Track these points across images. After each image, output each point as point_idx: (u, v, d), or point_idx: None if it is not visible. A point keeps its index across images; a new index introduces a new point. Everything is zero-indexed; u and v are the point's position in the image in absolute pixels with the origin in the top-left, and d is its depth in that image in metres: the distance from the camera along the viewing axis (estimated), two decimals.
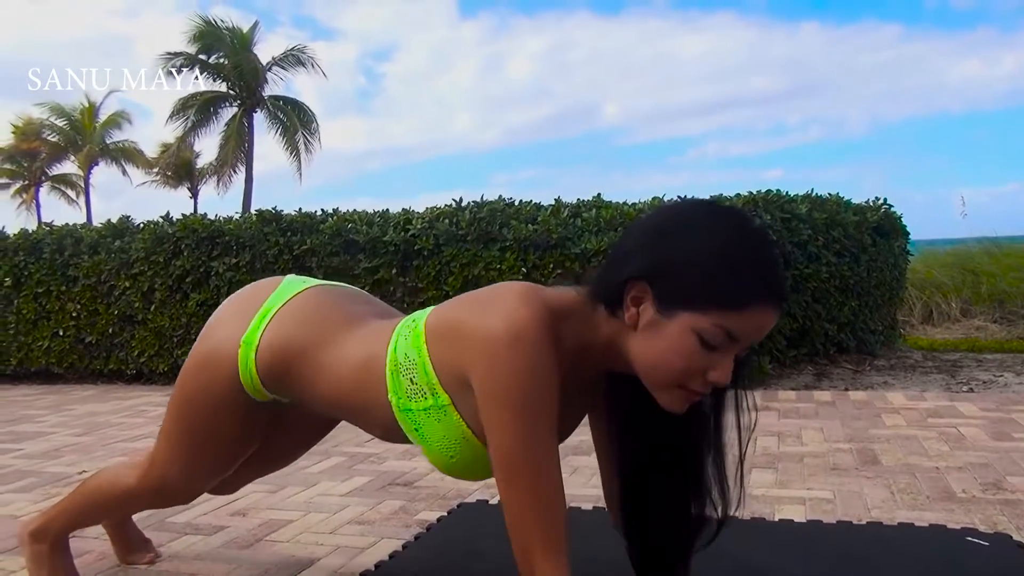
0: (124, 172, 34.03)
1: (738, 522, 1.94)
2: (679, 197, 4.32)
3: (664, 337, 1.00)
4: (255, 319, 1.30)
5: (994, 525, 1.91)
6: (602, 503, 2.15)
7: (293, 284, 1.36)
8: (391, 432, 1.21)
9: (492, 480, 2.49)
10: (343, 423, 1.48)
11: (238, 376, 1.30)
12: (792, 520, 1.96)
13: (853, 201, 4.82)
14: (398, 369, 1.14)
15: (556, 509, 1.04)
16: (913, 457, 2.55)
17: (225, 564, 1.81)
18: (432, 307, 1.21)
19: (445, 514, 2.10)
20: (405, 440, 1.21)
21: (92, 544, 1.93)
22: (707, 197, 4.28)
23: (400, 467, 2.65)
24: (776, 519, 1.98)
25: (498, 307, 1.04)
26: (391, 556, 1.79)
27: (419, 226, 4.37)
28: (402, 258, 4.38)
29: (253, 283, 1.43)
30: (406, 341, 1.15)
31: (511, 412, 1.01)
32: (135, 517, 1.88)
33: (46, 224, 5.37)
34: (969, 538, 1.79)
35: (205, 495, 2.31)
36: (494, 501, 2.20)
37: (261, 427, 1.43)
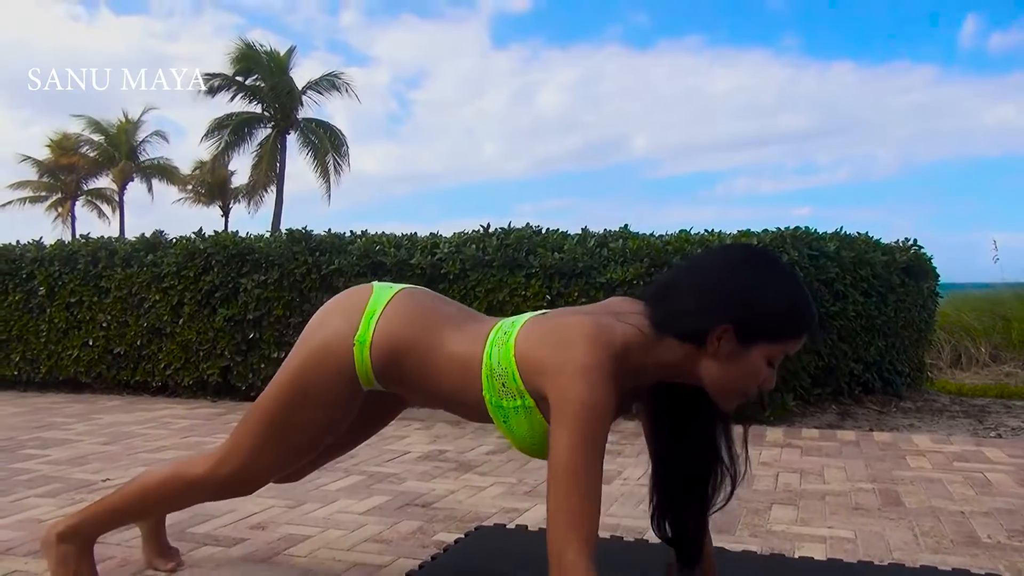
0: (150, 189, 34.63)
1: (758, 557, 1.93)
2: (707, 231, 4.34)
3: (743, 364, 1.30)
4: (363, 320, 1.47)
5: (1019, 572, 1.88)
6: (619, 532, 2.15)
7: (385, 288, 1.54)
8: (483, 418, 1.44)
9: (508, 504, 2.49)
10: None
11: (354, 370, 1.48)
12: (812, 558, 1.94)
13: (882, 241, 4.80)
14: (492, 373, 1.37)
15: (593, 508, 1.23)
16: (937, 500, 2.52)
17: None
18: (521, 319, 1.42)
19: (462, 536, 2.10)
20: (492, 422, 1.43)
21: (114, 551, 1.96)
22: (735, 232, 4.29)
23: (418, 488, 2.66)
24: (796, 556, 1.96)
25: (572, 348, 1.28)
26: (407, 575, 1.80)
27: (446, 250, 4.41)
28: (428, 281, 4.41)
29: (345, 291, 1.60)
30: (499, 351, 1.37)
31: (570, 434, 1.23)
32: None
33: (82, 236, 5.49)
34: None
35: (228, 507, 2.34)
36: (511, 525, 2.20)
37: (353, 415, 1.57)
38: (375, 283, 1.58)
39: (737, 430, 1.47)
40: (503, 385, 1.36)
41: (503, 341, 1.38)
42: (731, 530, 2.18)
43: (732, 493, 1.46)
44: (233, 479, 1.59)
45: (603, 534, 2.11)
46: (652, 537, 2.10)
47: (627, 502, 2.47)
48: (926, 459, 3.16)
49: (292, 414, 1.52)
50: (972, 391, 5.42)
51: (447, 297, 1.64)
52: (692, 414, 1.43)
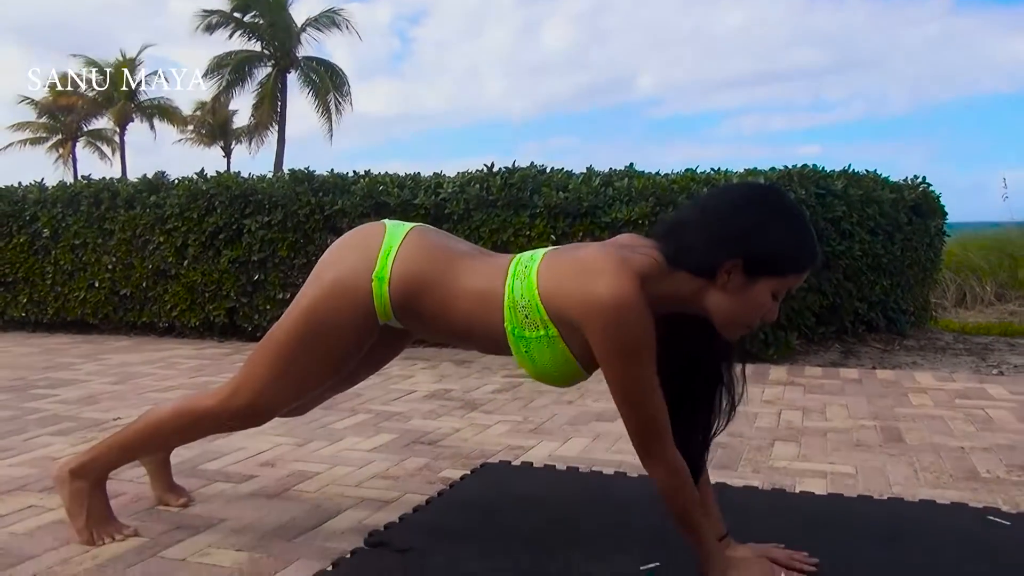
0: (152, 127, 34.28)
1: (759, 492, 1.96)
2: (713, 170, 4.29)
3: (750, 297, 1.36)
4: (380, 256, 1.50)
5: (1017, 505, 1.90)
6: (623, 468, 2.18)
7: (398, 226, 1.57)
8: (499, 349, 1.49)
9: (514, 442, 2.52)
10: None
11: (372, 305, 1.51)
12: (813, 493, 1.97)
13: (891, 179, 4.74)
14: (515, 305, 1.42)
15: (662, 419, 1.37)
16: (938, 437, 2.54)
17: (254, 511, 1.87)
18: (539, 253, 1.47)
19: (468, 473, 2.13)
20: (507, 354, 1.48)
21: (127, 487, 2.00)
22: (742, 170, 4.24)
23: (425, 426, 2.69)
24: (797, 491, 1.99)
25: (600, 278, 1.33)
26: (415, 510, 1.83)
27: (450, 190, 4.38)
28: (432, 222, 4.38)
29: (356, 229, 1.61)
30: (521, 284, 1.42)
31: (625, 361, 1.34)
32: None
33: (83, 177, 5.46)
34: (990, 517, 1.78)
35: (237, 445, 2.37)
36: (517, 463, 2.23)
37: (366, 349, 1.60)
38: (386, 221, 1.59)
39: (737, 367, 1.53)
40: (526, 316, 1.41)
41: (524, 274, 1.43)
42: (733, 466, 2.21)
43: (731, 417, 1.54)
44: (244, 410, 1.60)
45: (607, 470, 2.15)
46: None
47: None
48: (928, 396, 3.18)
49: (307, 347, 1.54)
50: (976, 329, 5.43)
51: (455, 235, 1.66)
52: (696, 344, 1.48)
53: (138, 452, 1.78)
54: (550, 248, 1.50)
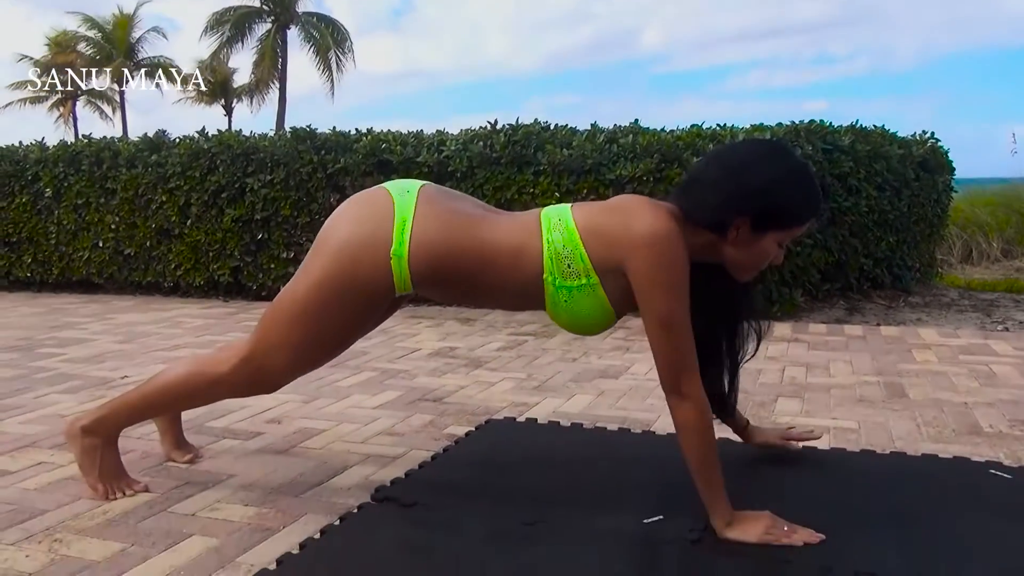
0: (157, 85, 33.95)
1: (763, 447, 1.96)
2: (719, 126, 4.24)
3: (757, 248, 1.49)
4: (395, 232, 1.49)
5: (1019, 459, 1.91)
6: (627, 424, 2.20)
7: (403, 194, 1.54)
8: (524, 304, 1.58)
9: (518, 399, 2.53)
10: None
11: (391, 281, 1.51)
12: (815, 448, 1.98)
13: (899, 135, 4.69)
14: (557, 256, 1.47)
15: (693, 354, 1.44)
16: (942, 392, 2.55)
17: (262, 467, 1.89)
18: (566, 206, 1.53)
19: (473, 429, 2.15)
20: (531, 308, 1.56)
21: (136, 444, 2.02)
22: (748, 126, 4.19)
23: (429, 383, 2.71)
24: (800, 446, 2.00)
25: (640, 215, 1.43)
26: (420, 466, 1.85)
27: (453, 148, 4.34)
28: (435, 180, 4.35)
29: (360, 197, 1.59)
30: (561, 235, 1.48)
31: (666, 291, 1.41)
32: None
33: (84, 136, 5.42)
34: (992, 471, 1.79)
35: (244, 403, 2.39)
36: (521, 419, 2.25)
37: (380, 317, 1.66)
38: (389, 188, 1.57)
39: (758, 301, 1.74)
40: (568, 266, 1.47)
41: (561, 226, 1.49)
42: None
43: (758, 346, 1.70)
44: (258, 377, 1.62)
45: (611, 426, 2.16)
46: (660, 429, 2.14)
47: (635, 395, 2.51)
48: (932, 352, 3.18)
49: (321, 320, 1.54)
50: (982, 286, 5.42)
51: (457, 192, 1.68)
52: (716, 286, 1.59)
53: (148, 414, 1.81)
54: (575, 203, 1.55)
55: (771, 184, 1.45)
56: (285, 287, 1.62)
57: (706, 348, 1.59)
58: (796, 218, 1.49)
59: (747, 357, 1.71)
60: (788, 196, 1.46)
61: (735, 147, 1.56)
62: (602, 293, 1.48)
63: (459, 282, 1.53)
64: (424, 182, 1.61)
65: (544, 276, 1.49)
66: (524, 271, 1.49)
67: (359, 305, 1.55)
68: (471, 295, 1.60)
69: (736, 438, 1.87)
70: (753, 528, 1.43)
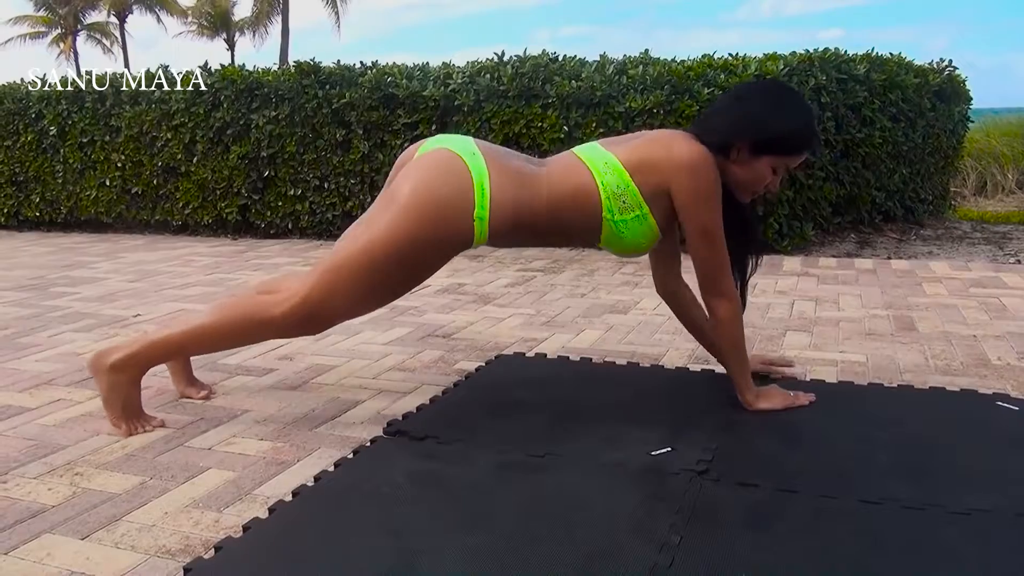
0: (158, 20, 33.32)
1: (769, 380, 1.98)
2: (731, 55, 4.14)
3: (754, 169, 1.71)
4: (476, 197, 1.61)
5: None
6: (636, 359, 2.21)
7: (472, 156, 1.65)
8: (586, 242, 1.76)
9: (527, 335, 2.54)
10: None
11: (471, 238, 1.65)
12: (823, 381, 2.00)
13: (916, 62, 4.57)
14: (613, 194, 1.67)
15: (727, 256, 1.71)
16: (951, 325, 2.55)
17: (276, 402, 1.92)
18: (598, 147, 1.71)
19: (483, 364, 2.17)
20: (589, 244, 1.77)
21: (151, 380, 2.04)
22: (761, 56, 4.09)
23: (439, 320, 2.72)
24: (808, 379, 2.02)
25: (679, 145, 1.65)
26: (431, 400, 1.88)
27: (459, 81, 4.26)
28: (442, 114, 4.31)
29: (432, 157, 1.65)
30: (612, 176, 1.66)
31: (706, 205, 1.65)
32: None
33: (86, 72, 5.35)
34: (999, 403, 1.81)
35: None
36: (530, 354, 2.27)
37: None
38: (455, 150, 1.65)
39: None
40: (623, 202, 1.66)
41: (609, 168, 1.67)
42: None
43: (759, 261, 1.91)
44: (311, 321, 1.67)
45: (620, 360, 2.18)
46: (668, 363, 2.16)
47: (643, 330, 2.52)
48: (942, 285, 3.17)
49: (397, 272, 1.64)
50: (995, 218, 5.36)
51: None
52: (733, 209, 1.78)
53: (186, 352, 1.85)
54: (601, 141, 1.74)
55: (770, 115, 1.67)
56: (351, 235, 1.66)
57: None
58: (790, 148, 1.69)
59: (754, 270, 1.90)
60: (783, 128, 1.67)
61: (747, 83, 1.78)
62: (652, 220, 1.69)
63: (530, 232, 1.70)
64: (474, 139, 1.72)
65: (603, 215, 1.67)
66: (586, 212, 1.67)
67: (434, 260, 1.68)
68: (537, 239, 1.76)
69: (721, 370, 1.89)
70: (776, 398, 1.77)
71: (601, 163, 1.68)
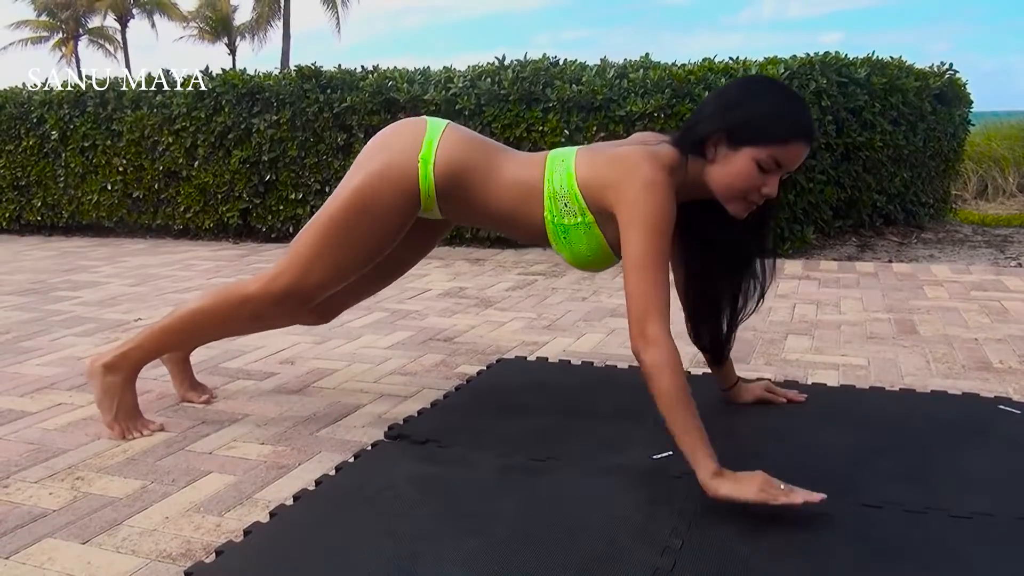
0: (153, 25, 33.38)
1: (771, 384, 1.98)
2: (731, 59, 4.15)
3: (735, 164, 1.47)
4: (425, 143, 1.60)
5: None
6: (636, 363, 2.21)
7: (437, 120, 1.66)
8: (537, 239, 1.64)
9: (528, 338, 2.54)
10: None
11: (417, 187, 1.60)
12: (825, 384, 1.99)
13: (916, 66, 4.57)
14: (555, 195, 1.56)
15: (664, 297, 1.42)
16: (952, 328, 2.55)
17: (277, 406, 1.92)
18: (572, 150, 1.60)
19: (484, 368, 2.17)
20: (543, 244, 1.64)
21: (152, 385, 2.05)
22: (761, 59, 4.09)
23: (440, 323, 2.72)
24: (809, 383, 2.01)
25: (637, 168, 1.47)
26: (433, 404, 1.87)
27: (460, 85, 4.27)
28: (442, 118, 4.30)
29: (397, 123, 1.70)
30: (560, 177, 1.56)
31: (644, 230, 1.44)
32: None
33: (87, 76, 5.36)
34: (1001, 406, 1.80)
35: (257, 344, 2.41)
36: (532, 357, 2.27)
37: (401, 237, 1.68)
38: (425, 117, 1.69)
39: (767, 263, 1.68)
40: (565, 205, 1.56)
41: (563, 169, 1.57)
42: (746, 359, 2.23)
43: (760, 301, 1.69)
44: (286, 293, 1.66)
45: (621, 364, 2.18)
46: None
47: None
48: (944, 289, 3.17)
49: (350, 227, 1.61)
50: (996, 221, 5.36)
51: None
52: (720, 230, 1.61)
53: (173, 345, 1.84)
54: (579, 147, 1.62)
55: (743, 96, 1.49)
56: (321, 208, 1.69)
57: (706, 295, 1.71)
58: (770, 134, 1.44)
59: (747, 314, 1.71)
60: (759, 110, 1.46)
61: (734, 82, 1.61)
62: (598, 232, 1.56)
63: (477, 203, 1.63)
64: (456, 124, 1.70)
65: (544, 214, 1.58)
66: (530, 207, 1.60)
67: (387, 210, 1.61)
68: (491, 220, 1.67)
69: (746, 374, 1.88)
70: (748, 485, 1.27)
71: (558, 162, 1.59)
